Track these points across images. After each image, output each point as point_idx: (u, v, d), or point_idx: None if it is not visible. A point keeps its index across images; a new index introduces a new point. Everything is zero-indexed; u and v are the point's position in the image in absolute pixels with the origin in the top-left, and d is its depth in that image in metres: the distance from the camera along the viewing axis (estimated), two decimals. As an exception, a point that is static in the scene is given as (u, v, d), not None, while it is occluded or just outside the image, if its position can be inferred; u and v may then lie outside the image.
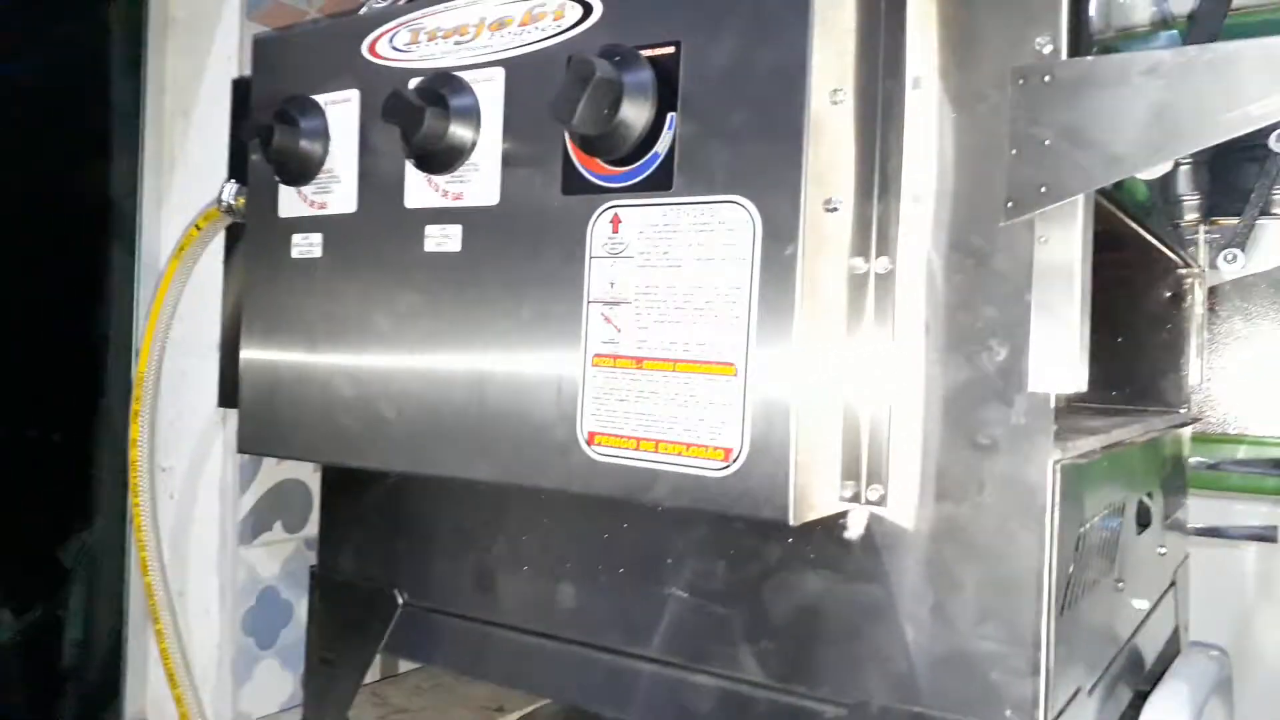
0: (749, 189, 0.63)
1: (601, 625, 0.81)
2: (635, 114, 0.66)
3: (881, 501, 0.69)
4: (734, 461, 0.63)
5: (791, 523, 0.62)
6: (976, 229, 0.65)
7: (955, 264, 0.66)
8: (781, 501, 0.62)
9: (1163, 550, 1.06)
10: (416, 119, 0.71)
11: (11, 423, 1.22)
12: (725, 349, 0.64)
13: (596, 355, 0.69)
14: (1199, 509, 1.72)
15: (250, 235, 0.90)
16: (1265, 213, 1.30)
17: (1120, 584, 0.84)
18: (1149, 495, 0.99)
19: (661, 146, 0.66)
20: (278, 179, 0.85)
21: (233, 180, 0.95)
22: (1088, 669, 0.76)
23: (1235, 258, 1.22)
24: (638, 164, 0.67)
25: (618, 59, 0.65)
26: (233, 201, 0.94)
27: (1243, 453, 1.65)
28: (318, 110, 0.83)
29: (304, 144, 0.82)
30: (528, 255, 0.72)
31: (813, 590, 0.71)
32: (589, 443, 0.69)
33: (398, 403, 0.79)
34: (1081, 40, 0.64)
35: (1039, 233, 0.64)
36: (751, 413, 0.63)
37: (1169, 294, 1.29)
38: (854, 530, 0.70)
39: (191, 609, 1.27)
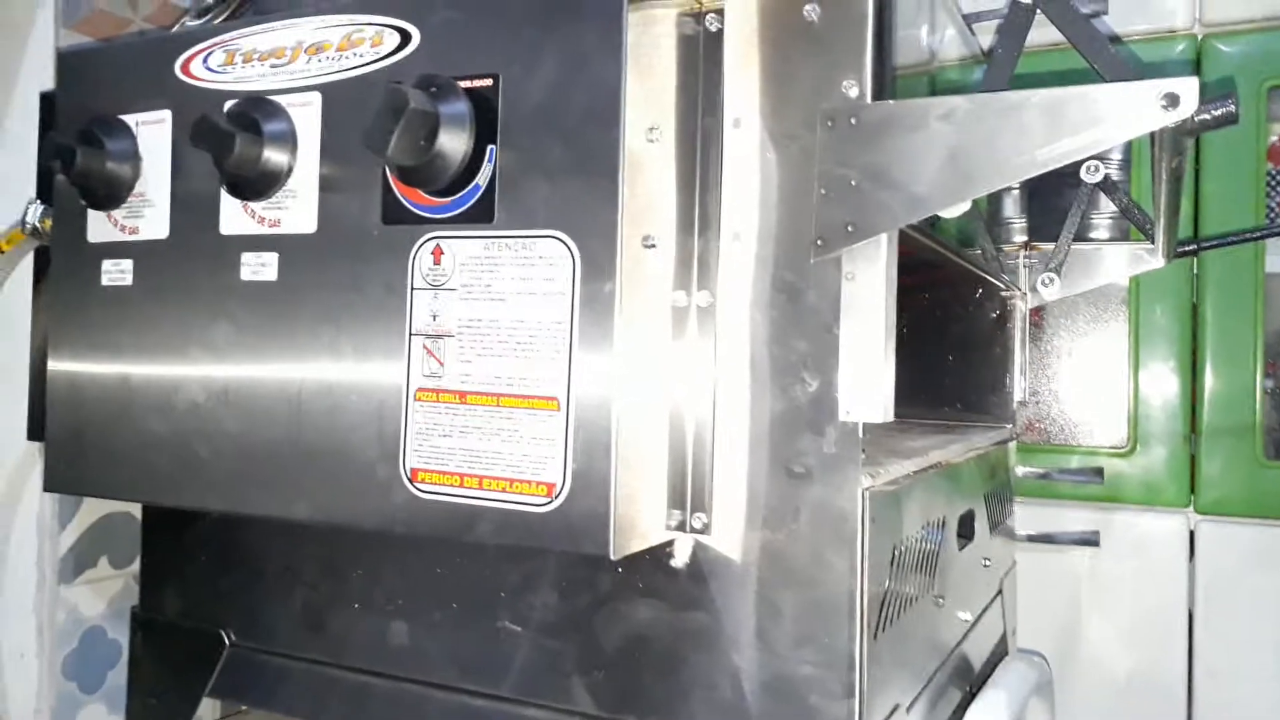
0: (567, 224, 0.63)
1: (436, 662, 0.80)
2: (453, 145, 0.65)
3: (705, 530, 0.70)
4: (556, 497, 0.63)
5: (612, 556, 0.62)
6: (790, 265, 0.67)
7: (771, 299, 0.68)
8: (603, 536, 0.62)
9: (987, 562, 1.12)
10: (227, 144, 0.68)
11: None
12: (547, 383, 0.63)
13: (420, 389, 0.68)
14: (1033, 516, 1.82)
15: (57, 260, 0.85)
16: (1081, 238, 1.39)
17: (941, 599, 0.88)
18: (971, 510, 1.04)
19: (482, 178, 0.66)
20: (83, 202, 0.80)
21: (38, 201, 0.89)
22: (908, 685, 0.79)
23: (1051, 281, 1.30)
24: (459, 195, 0.66)
25: (434, 89, 0.65)
26: (38, 224, 0.89)
27: (1075, 462, 1.75)
28: (126, 131, 0.79)
29: (111, 166, 0.78)
30: (347, 285, 0.71)
31: (642, 619, 0.72)
32: (412, 480, 0.68)
33: (212, 439, 0.75)
34: (886, 84, 0.66)
35: (846, 269, 0.66)
36: (574, 447, 0.63)
37: (995, 315, 1.36)
38: (680, 559, 0.71)
39: (8, 655, 1.18)
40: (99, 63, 0.83)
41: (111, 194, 0.79)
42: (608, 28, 0.62)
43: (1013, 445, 1.35)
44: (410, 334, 0.68)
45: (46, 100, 0.92)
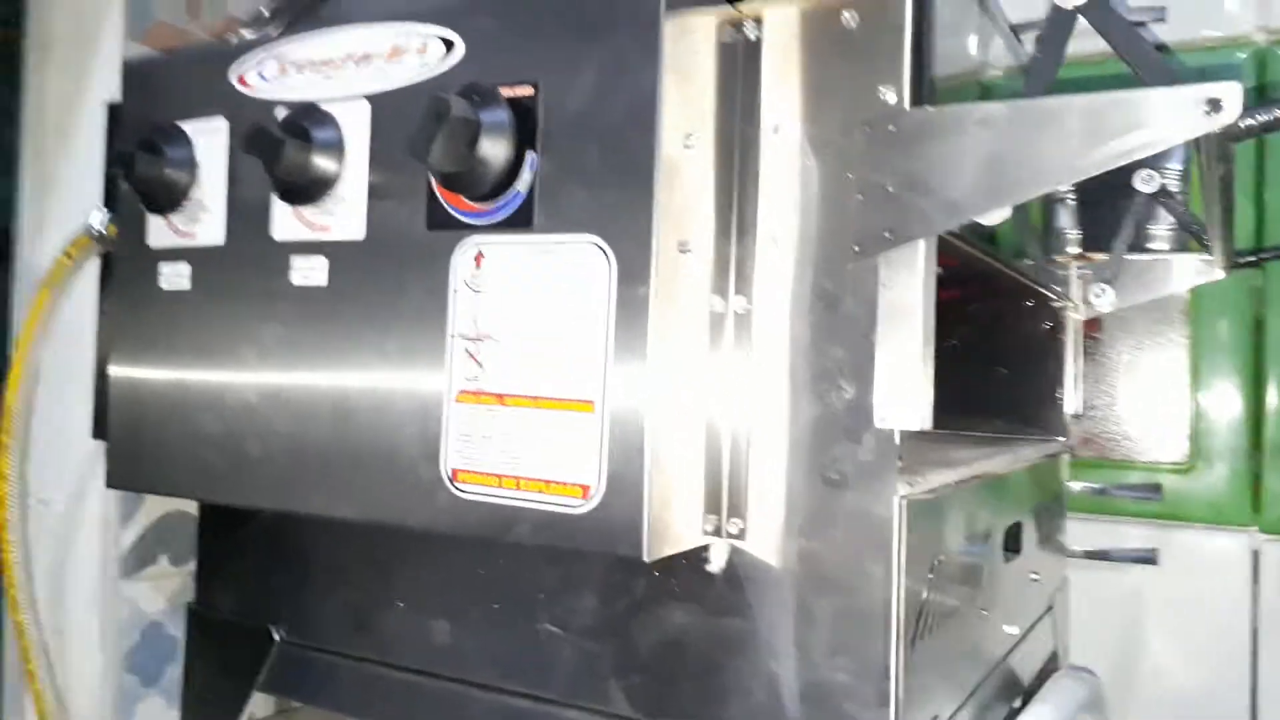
0: (604, 229, 0.64)
1: (477, 662, 0.81)
2: (494, 152, 0.66)
3: (741, 535, 0.70)
4: (591, 498, 0.64)
5: (646, 558, 0.62)
6: (827, 272, 0.67)
7: (808, 305, 0.68)
8: (636, 538, 0.62)
9: (1035, 576, 1.10)
10: (277, 151, 0.71)
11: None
12: (583, 386, 0.64)
13: (461, 391, 0.69)
14: (1090, 533, 1.78)
15: (119, 264, 0.88)
16: (1137, 249, 1.36)
17: (985, 612, 0.87)
18: (1018, 523, 1.03)
19: (522, 185, 0.67)
20: (143, 207, 0.83)
21: (104, 207, 0.93)
22: (948, 696, 0.78)
23: (1103, 292, 1.27)
24: (500, 202, 0.68)
25: (476, 97, 0.66)
26: (103, 230, 0.92)
27: (1134, 478, 1.71)
28: (184, 138, 0.82)
29: (169, 172, 0.81)
30: (393, 289, 0.72)
31: (678, 624, 0.72)
32: (453, 480, 0.69)
33: (263, 439, 0.78)
34: (924, 91, 0.66)
35: (883, 276, 0.66)
36: (608, 449, 0.63)
37: (1047, 327, 1.34)
38: (716, 564, 0.71)
39: (72, 647, 1.23)
40: (160, 73, 0.87)
41: (169, 200, 0.82)
42: (645, 36, 0.63)
43: (1065, 459, 1.33)
44: (451, 336, 0.69)
45: (113, 111, 0.96)
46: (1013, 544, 1.00)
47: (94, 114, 1.17)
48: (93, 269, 1.06)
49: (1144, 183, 1.22)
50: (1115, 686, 1.77)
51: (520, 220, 0.67)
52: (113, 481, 0.88)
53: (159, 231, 0.85)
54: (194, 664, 0.99)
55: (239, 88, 0.81)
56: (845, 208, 0.67)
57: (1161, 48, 1.02)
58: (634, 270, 0.63)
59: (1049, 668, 1.19)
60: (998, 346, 1.34)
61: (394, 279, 0.72)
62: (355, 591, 0.87)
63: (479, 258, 0.69)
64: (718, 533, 0.70)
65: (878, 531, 0.66)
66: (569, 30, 0.66)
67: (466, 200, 0.69)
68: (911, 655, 0.68)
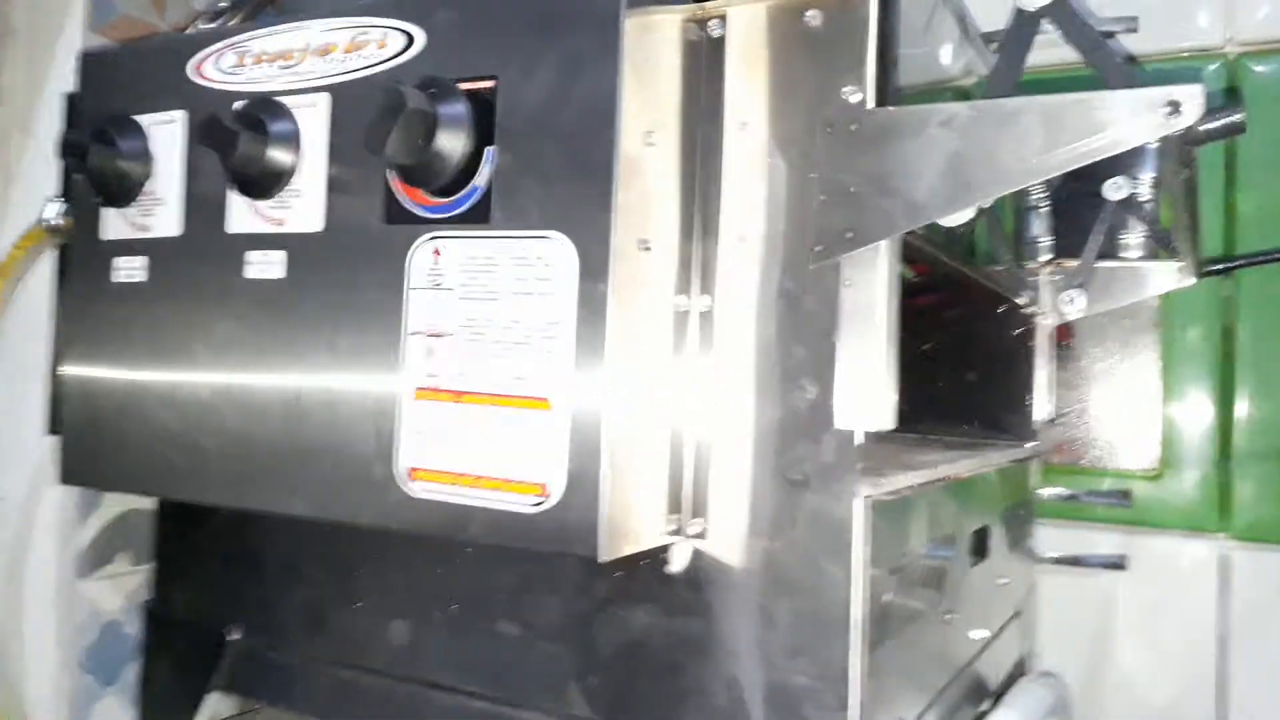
0: (563, 225, 0.63)
1: (435, 663, 0.80)
2: (451, 146, 0.65)
3: (702, 535, 0.69)
4: (548, 498, 0.63)
5: (601, 559, 0.61)
6: (790, 271, 0.67)
7: (771, 304, 0.68)
8: (592, 538, 0.61)
9: (1004, 581, 1.09)
10: (231, 143, 0.69)
11: None
12: (541, 384, 0.63)
13: (419, 388, 0.68)
14: (1061, 539, 1.78)
15: (73, 257, 0.87)
16: (1107, 256, 1.36)
17: (949, 615, 0.86)
18: (985, 527, 1.02)
19: (481, 179, 0.66)
20: (97, 199, 0.82)
21: (59, 199, 0.91)
22: (912, 700, 0.77)
23: (1073, 299, 1.28)
24: (458, 196, 0.67)
25: (434, 90, 0.65)
26: (59, 222, 0.90)
27: (1106, 485, 1.72)
28: (138, 129, 0.80)
29: (121, 164, 0.79)
30: (349, 284, 0.71)
31: (638, 625, 0.71)
32: (409, 478, 0.68)
33: (216, 435, 0.76)
34: (888, 91, 0.66)
35: (845, 276, 0.65)
36: (566, 449, 0.62)
37: (1018, 332, 1.34)
38: (677, 564, 0.70)
39: (29, 648, 1.20)
40: (117, 64, 0.85)
41: (123, 191, 0.80)
42: (606, 32, 0.62)
43: (1035, 465, 1.33)
44: (409, 333, 0.68)
45: (71, 101, 0.94)
46: (980, 548, 0.99)
47: (55, 105, 1.15)
48: (50, 262, 1.04)
49: (1113, 191, 1.22)
50: (1084, 692, 1.78)
51: (478, 215, 0.66)
52: (66, 477, 0.86)
53: (114, 224, 0.84)
54: (150, 664, 0.97)
55: (197, 79, 0.79)
56: (808, 207, 0.66)
57: (1131, 59, 1.03)
58: (593, 267, 0.62)
59: (1017, 672, 1.19)
60: (970, 352, 1.35)
61: (351, 272, 0.71)
62: (310, 590, 0.86)
63: (437, 252, 0.67)
64: (679, 533, 0.69)
65: (838, 533, 0.65)
66: (530, 25, 0.65)
67: (425, 194, 0.68)
68: (874, 658, 0.67)
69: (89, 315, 0.85)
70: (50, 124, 1.17)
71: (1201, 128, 0.59)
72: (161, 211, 0.81)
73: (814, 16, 0.67)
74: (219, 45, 0.78)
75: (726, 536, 0.69)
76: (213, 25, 0.79)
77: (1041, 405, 1.34)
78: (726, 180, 0.70)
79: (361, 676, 0.84)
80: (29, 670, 1.19)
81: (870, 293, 0.64)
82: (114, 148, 0.79)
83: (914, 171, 0.63)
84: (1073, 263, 1.33)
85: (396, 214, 0.69)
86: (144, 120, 0.81)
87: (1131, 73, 0.62)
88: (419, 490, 0.67)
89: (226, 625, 0.90)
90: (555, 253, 0.63)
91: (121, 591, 1.26)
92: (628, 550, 0.64)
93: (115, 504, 1.23)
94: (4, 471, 1.20)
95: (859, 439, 0.65)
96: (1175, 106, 0.55)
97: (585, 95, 0.63)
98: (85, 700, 1.21)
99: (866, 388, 0.64)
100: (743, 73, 0.70)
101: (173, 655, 0.95)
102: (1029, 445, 1.30)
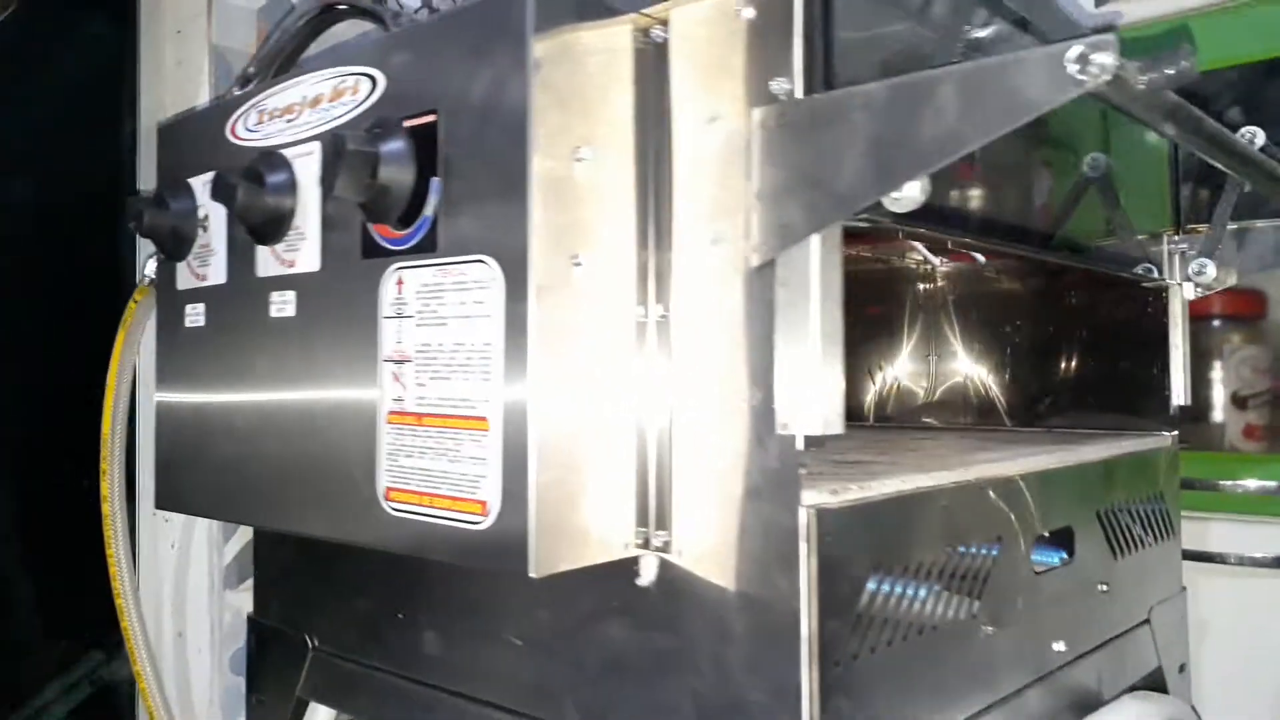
0: (491, 248, 0.65)
1: (458, 672, 0.83)
2: (398, 179, 0.68)
3: (667, 548, 0.68)
4: (488, 515, 0.64)
5: (533, 575, 0.62)
6: (737, 274, 0.65)
7: (721, 310, 0.66)
8: (524, 554, 0.62)
9: (1104, 588, 0.99)
10: (231, 196, 0.76)
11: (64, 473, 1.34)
12: (480, 404, 0.65)
13: (390, 412, 0.72)
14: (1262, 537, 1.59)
15: (159, 307, 0.98)
16: (1242, 218, 1.20)
17: (989, 629, 0.80)
18: (1068, 528, 0.94)
19: (429, 210, 0.69)
20: (162, 255, 0.92)
21: (156, 256, 1.03)
22: (924, 716, 0.72)
23: (1203, 268, 1.14)
24: (413, 227, 0.70)
25: (378, 130, 0.69)
26: (155, 277, 1.02)
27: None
28: (188, 190, 0.89)
29: (175, 223, 0.89)
30: (341, 317, 0.76)
31: (617, 638, 0.71)
32: (386, 498, 0.72)
33: (254, 462, 0.83)
34: (818, 81, 0.62)
35: (781, 275, 0.63)
36: (504, 466, 0.64)
37: (1148, 310, 1.21)
38: (645, 577, 0.69)
39: (190, 649, 1.36)
40: (180, 131, 0.95)
41: (177, 247, 0.90)
42: (515, 55, 0.63)
43: (1170, 455, 1.19)
44: (381, 359, 0.72)
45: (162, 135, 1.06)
46: (1060, 550, 0.91)
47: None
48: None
49: (1250, 140, 1.08)
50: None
51: (428, 244, 0.69)
52: (159, 503, 0.97)
53: (183, 276, 0.94)
54: (253, 670, 1.07)
55: (232, 140, 0.88)
56: (749, 207, 0.64)
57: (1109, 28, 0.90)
58: (516, 288, 0.63)
59: (1147, 688, 1.07)
60: (1082, 338, 1.23)
61: (342, 306, 0.76)
62: (365, 601, 0.92)
63: (400, 282, 0.71)
64: (646, 545, 0.69)
65: (785, 543, 0.62)
66: (463, 57, 0.67)
67: (390, 228, 0.72)
68: (838, 673, 0.64)
69: (168, 357, 0.95)
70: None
71: (1146, 76, 0.52)
72: (214, 261, 0.90)
73: (748, 10, 0.65)
74: (245, 107, 0.86)
75: (690, 548, 0.67)
76: (239, 90, 0.87)
77: (1178, 388, 1.20)
78: (677, 186, 0.69)
79: (404, 684, 0.88)
80: (191, 669, 1.34)
81: (805, 291, 0.62)
82: (166, 209, 0.88)
83: (838, 160, 0.59)
84: (1202, 227, 1.19)
85: (370, 248, 0.73)
86: (195, 181, 0.91)
87: (1075, 26, 0.56)
88: (393, 510, 0.71)
89: (304, 634, 0.98)
90: (487, 276, 0.65)
91: (267, 601, 1.40)
92: (567, 565, 0.64)
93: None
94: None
95: (800, 444, 0.62)
96: (1084, 61, 0.49)
97: (503, 119, 0.64)
98: (234, 698, 1.35)
99: (805, 390, 0.61)
100: (689, 75, 0.69)
101: (269, 662, 1.04)
102: (1164, 433, 1.17)
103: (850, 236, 1.23)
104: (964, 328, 1.39)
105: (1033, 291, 1.33)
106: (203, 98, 1.37)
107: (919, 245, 1.25)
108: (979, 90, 0.54)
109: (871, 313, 1.49)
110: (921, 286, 1.43)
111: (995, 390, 1.35)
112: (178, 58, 1.43)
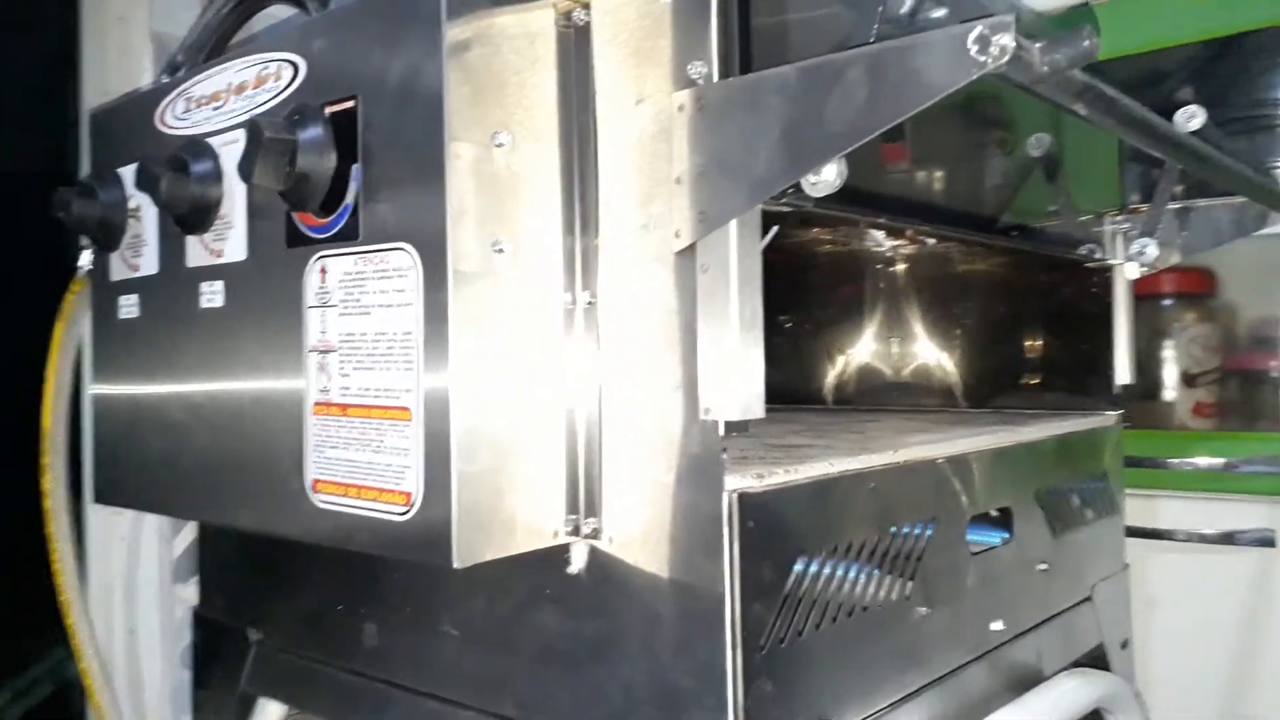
0: (410, 235, 0.64)
1: (398, 664, 0.83)
2: (317, 167, 0.68)
3: (596, 535, 0.68)
4: (412, 506, 0.64)
5: (456, 565, 0.62)
6: (659, 260, 0.65)
7: (646, 295, 0.66)
8: (447, 544, 0.62)
9: (1044, 566, 1.00)
10: (155, 185, 0.75)
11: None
12: (402, 394, 0.65)
13: (316, 403, 0.71)
14: (1209, 513, 1.61)
15: (94, 297, 0.96)
16: (1183, 198, 1.21)
17: (924, 610, 0.80)
18: (1007, 508, 0.94)
19: (350, 197, 0.68)
20: (94, 245, 0.91)
21: (91, 248, 1.01)
22: (850, 698, 0.73)
23: (1144, 248, 1.14)
24: (335, 215, 0.69)
25: (298, 117, 0.68)
26: (91, 268, 1.00)
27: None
28: (116, 180, 0.88)
29: (104, 213, 0.87)
30: (268, 307, 0.75)
31: (550, 627, 0.71)
32: (314, 490, 0.71)
33: (192, 455, 0.83)
34: (734, 65, 0.62)
35: (701, 261, 0.62)
36: (426, 457, 0.64)
37: (1091, 290, 1.22)
38: (576, 564, 0.69)
39: (141, 645, 1.35)
40: (110, 119, 0.94)
41: (110, 237, 0.88)
42: (429, 40, 0.62)
43: (1113, 434, 1.20)
44: (306, 350, 0.71)
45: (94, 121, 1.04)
46: (992, 532, 0.92)
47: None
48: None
49: (1186, 120, 1.09)
50: (1231, 679, 1.60)
51: (350, 232, 0.68)
52: (98, 497, 0.96)
53: (116, 267, 0.92)
54: (199, 663, 1.07)
55: (161, 128, 0.86)
56: (669, 193, 0.64)
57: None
58: (434, 275, 0.63)
59: (1089, 664, 1.09)
60: (1028, 319, 1.25)
61: (267, 296, 0.75)
62: (306, 591, 0.91)
63: (324, 271, 0.70)
64: (576, 532, 0.69)
65: (708, 528, 0.62)
66: (380, 42, 0.66)
67: (313, 217, 0.71)
68: (771, 656, 0.64)
69: (104, 349, 0.94)
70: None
71: (1046, 58, 0.52)
72: (145, 252, 0.89)
73: (668, -8, 0.65)
74: (172, 94, 0.85)
75: (621, 535, 0.67)
76: (172, 77, 0.85)
77: (1121, 367, 1.21)
78: (603, 171, 0.68)
79: (343, 676, 0.87)
80: (143, 664, 1.33)
81: (724, 277, 0.61)
82: (94, 198, 0.87)
83: (752, 145, 0.59)
84: (1143, 207, 1.19)
85: (294, 237, 0.73)
86: (124, 171, 0.89)
87: (981, 6, 0.56)
88: (320, 501, 0.70)
89: (247, 626, 0.97)
90: (407, 263, 0.64)
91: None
92: (493, 555, 0.64)
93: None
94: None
95: (721, 430, 0.62)
96: (984, 42, 0.49)
97: (419, 105, 0.63)
98: (183, 693, 1.34)
99: (725, 376, 0.61)
100: (612, 58, 0.68)
101: (213, 655, 1.04)
102: (1108, 412, 1.18)
103: (805, 220, 1.25)
104: (923, 310, 1.40)
105: (985, 273, 1.34)
106: (145, 85, 1.35)
107: (870, 229, 1.26)
108: (885, 72, 0.54)
109: (833, 296, 1.49)
110: (882, 269, 1.44)
111: (952, 372, 1.36)
112: (120, 44, 1.40)
